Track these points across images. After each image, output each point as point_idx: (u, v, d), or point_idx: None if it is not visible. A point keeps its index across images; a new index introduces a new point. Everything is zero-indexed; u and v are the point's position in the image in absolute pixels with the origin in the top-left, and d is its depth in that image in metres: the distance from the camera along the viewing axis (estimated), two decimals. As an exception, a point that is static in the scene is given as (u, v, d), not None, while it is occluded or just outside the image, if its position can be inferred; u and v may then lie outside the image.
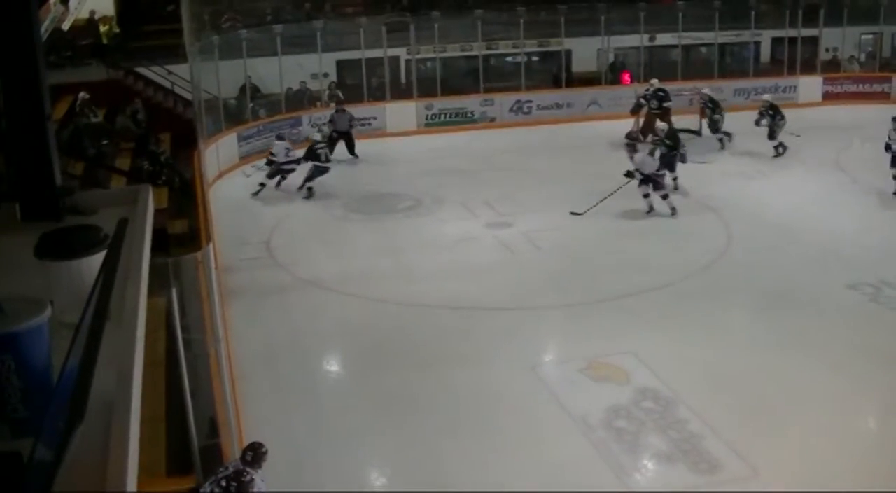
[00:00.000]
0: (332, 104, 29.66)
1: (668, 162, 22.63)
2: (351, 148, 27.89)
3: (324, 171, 24.41)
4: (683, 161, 23.52)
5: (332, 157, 26.42)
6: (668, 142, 23.09)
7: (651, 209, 21.56)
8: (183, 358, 9.75)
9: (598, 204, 21.18)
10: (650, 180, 21.47)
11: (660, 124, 23.16)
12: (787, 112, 31.09)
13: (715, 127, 27.93)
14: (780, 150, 26.87)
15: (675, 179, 22.97)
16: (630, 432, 12.45)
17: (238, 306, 16.67)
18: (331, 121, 28.02)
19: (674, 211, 21.44)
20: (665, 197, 21.56)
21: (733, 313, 16.40)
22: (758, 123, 27.16)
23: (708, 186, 24.04)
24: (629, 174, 21.50)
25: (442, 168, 25.53)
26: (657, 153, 22.23)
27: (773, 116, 27.01)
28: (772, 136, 26.89)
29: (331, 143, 27.41)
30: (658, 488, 11.48)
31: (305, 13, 34.86)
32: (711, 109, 28.15)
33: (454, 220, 21.74)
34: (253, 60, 29.37)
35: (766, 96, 28.20)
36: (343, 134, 27.91)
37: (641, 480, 11.58)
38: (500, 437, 12.44)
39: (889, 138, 21.35)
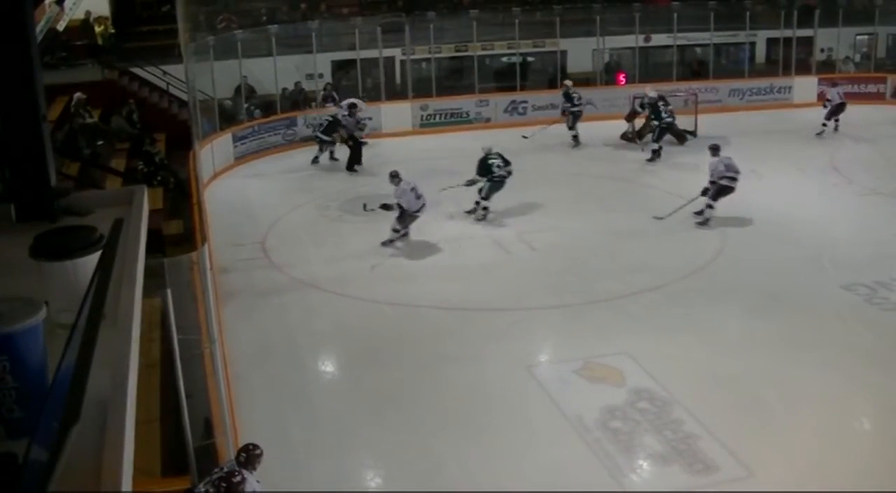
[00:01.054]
0: (328, 105, 29.67)
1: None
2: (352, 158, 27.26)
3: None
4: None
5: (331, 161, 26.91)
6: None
7: (389, 242, 20.07)
8: (178, 359, 9.74)
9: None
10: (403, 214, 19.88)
11: (485, 146, 22.49)
12: (782, 112, 31.43)
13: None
14: (656, 156, 26.96)
15: (485, 209, 21.80)
16: (625, 432, 12.46)
17: (233, 307, 16.69)
18: (344, 126, 27.49)
19: (405, 235, 20.04)
20: (399, 235, 20.08)
21: (728, 313, 16.41)
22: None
23: (701, 186, 24.06)
24: (384, 207, 20.11)
25: (437, 169, 25.52)
26: (478, 187, 21.74)
27: (654, 116, 27.36)
28: (653, 135, 27.33)
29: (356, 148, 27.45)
30: (654, 488, 11.49)
31: (301, 14, 34.92)
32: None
33: (449, 220, 21.74)
34: (248, 61, 29.36)
35: (652, 94, 28.13)
36: (351, 139, 27.38)
37: (637, 480, 11.59)
38: (495, 437, 12.45)
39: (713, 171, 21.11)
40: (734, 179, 21.05)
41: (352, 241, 20.67)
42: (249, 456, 9.52)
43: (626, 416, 12.84)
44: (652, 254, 19.21)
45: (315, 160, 27.46)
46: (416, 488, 11.31)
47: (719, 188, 20.99)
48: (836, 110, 29.36)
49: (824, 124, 29.46)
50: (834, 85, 30.60)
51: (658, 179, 25.07)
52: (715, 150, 21.51)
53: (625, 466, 11.78)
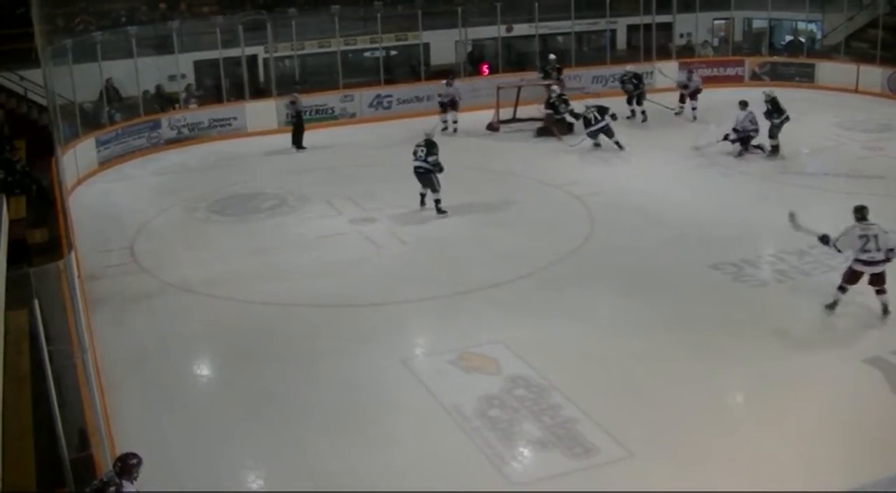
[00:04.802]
0: (191, 106, 29.29)
1: None
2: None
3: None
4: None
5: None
6: None
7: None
8: (49, 370, 9.56)
9: None
10: None
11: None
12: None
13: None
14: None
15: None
16: (504, 420, 12.56)
17: (104, 314, 16.42)
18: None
19: None
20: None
21: (600, 297, 16.66)
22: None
23: (570, 173, 24.41)
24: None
25: (304, 166, 25.46)
26: None
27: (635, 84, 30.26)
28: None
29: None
30: (535, 474, 11.60)
31: (161, 14, 34.39)
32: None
33: (319, 217, 21.71)
34: (108, 63, 28.78)
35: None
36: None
37: (518, 467, 11.68)
38: (375, 432, 12.46)
39: None
40: (757, 131, 25.39)
41: (222, 242, 20.49)
42: (126, 466, 9.33)
43: (504, 404, 12.95)
44: (522, 242, 19.40)
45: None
46: (299, 487, 11.30)
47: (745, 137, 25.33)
48: (694, 94, 30.84)
49: (682, 106, 31.18)
50: (690, 71, 32.11)
51: (524, 166, 25.32)
52: (744, 104, 25.27)
53: (505, 454, 11.87)
